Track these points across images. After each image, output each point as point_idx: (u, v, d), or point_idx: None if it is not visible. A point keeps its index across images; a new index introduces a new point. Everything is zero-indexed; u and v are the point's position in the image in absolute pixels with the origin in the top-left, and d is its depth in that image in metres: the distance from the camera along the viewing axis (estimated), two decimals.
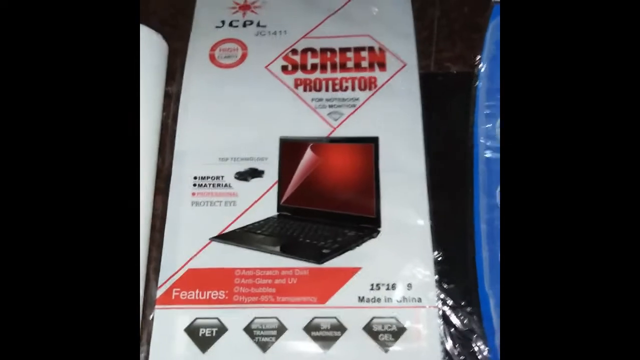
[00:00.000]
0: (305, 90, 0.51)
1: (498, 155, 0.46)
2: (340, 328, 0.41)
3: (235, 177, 0.47)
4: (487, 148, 0.46)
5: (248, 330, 0.41)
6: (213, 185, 0.47)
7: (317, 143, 0.49)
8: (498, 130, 0.46)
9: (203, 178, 0.47)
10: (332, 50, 0.53)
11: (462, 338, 0.41)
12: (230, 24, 0.55)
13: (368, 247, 0.44)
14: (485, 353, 0.40)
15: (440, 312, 0.41)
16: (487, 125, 0.47)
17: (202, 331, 0.41)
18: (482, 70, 0.49)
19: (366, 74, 0.51)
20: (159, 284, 0.43)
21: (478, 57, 0.49)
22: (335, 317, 0.41)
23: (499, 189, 0.44)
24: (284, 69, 0.52)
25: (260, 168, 0.48)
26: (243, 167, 0.48)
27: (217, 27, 0.55)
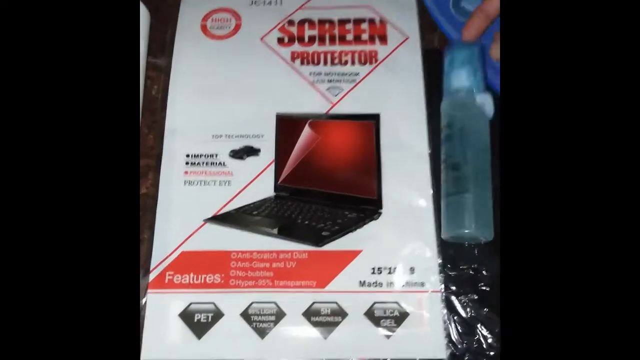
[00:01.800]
0: (302, 63, 0.48)
1: None
2: (340, 313, 0.40)
3: (230, 156, 0.45)
4: None
5: (245, 315, 0.40)
6: (207, 163, 0.45)
7: (316, 120, 0.47)
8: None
9: (196, 156, 0.45)
10: (331, 22, 0.50)
11: (466, 324, 0.40)
12: None
13: (369, 230, 0.42)
14: (490, 340, 0.39)
15: (444, 297, 0.40)
16: None
17: (198, 316, 0.40)
18: None
19: (367, 48, 0.49)
20: (151, 267, 0.41)
21: None
22: (335, 302, 0.40)
23: None
24: (280, 41, 0.49)
25: (256, 146, 0.45)
26: (238, 144, 0.45)
27: None
